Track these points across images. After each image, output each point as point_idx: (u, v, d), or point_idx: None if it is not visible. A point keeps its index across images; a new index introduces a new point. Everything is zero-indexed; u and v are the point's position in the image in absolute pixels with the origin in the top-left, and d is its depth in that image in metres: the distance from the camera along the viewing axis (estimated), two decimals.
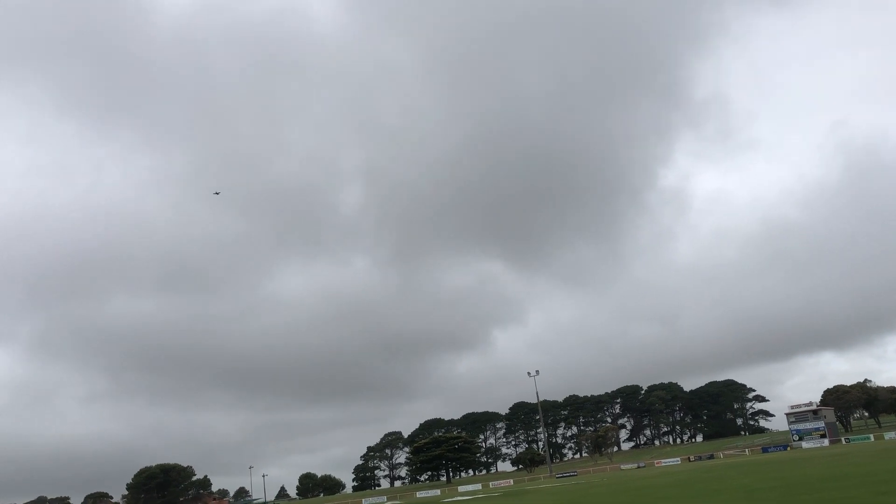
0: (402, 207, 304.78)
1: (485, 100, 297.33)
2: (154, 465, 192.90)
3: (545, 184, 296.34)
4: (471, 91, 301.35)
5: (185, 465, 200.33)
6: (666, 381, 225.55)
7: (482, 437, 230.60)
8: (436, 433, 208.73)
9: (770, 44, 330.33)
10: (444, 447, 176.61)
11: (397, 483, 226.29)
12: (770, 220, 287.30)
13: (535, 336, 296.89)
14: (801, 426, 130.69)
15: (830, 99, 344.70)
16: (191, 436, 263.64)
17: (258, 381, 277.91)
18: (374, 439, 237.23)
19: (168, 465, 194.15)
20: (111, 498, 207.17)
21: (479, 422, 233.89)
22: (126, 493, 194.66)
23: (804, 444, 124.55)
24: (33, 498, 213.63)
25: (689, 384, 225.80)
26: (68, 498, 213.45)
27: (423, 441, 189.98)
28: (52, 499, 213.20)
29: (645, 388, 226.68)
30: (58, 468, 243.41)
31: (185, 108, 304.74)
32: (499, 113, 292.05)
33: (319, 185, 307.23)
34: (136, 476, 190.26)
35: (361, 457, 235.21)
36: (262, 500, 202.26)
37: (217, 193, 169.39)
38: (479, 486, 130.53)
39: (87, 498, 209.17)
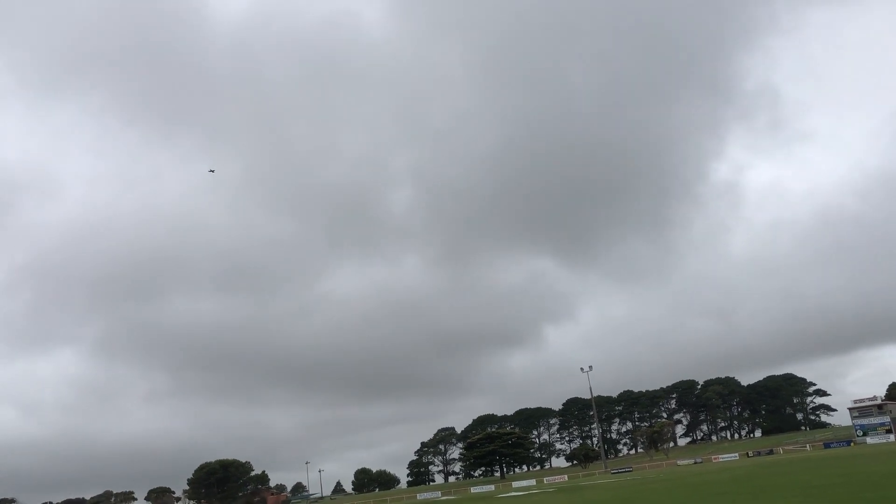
0: (451, 207, 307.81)
1: (533, 98, 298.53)
2: (214, 460, 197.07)
3: (594, 180, 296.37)
4: (519, 90, 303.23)
5: (244, 461, 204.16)
6: (723, 376, 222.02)
7: (535, 432, 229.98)
8: (489, 429, 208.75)
9: (821, 34, 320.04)
10: (498, 443, 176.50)
11: (451, 478, 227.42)
12: (827, 210, 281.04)
13: (588, 332, 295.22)
14: (864, 421, 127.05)
15: (886, 87, 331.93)
16: (249, 432, 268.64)
17: (314, 379, 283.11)
18: (427, 435, 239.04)
19: (227, 460, 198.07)
20: (173, 493, 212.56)
21: (532, 418, 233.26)
22: (187, 488, 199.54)
23: (868, 440, 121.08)
24: (100, 492, 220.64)
25: (746, 378, 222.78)
26: (132, 492, 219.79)
27: (476, 437, 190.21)
28: (117, 493, 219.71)
29: (701, 382, 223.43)
30: (122, 464, 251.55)
31: (240, 114, 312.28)
32: (547, 110, 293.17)
33: (370, 187, 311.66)
34: (196, 471, 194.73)
35: (415, 452, 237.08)
36: (319, 495, 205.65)
37: (212, 171, 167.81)
38: (533, 482, 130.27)
39: (151, 493, 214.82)
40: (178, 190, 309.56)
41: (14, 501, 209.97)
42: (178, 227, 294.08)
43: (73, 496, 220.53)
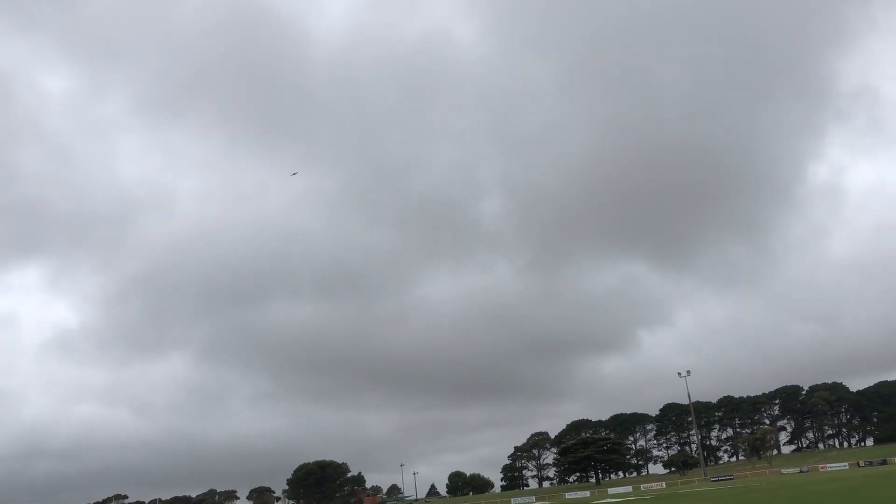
0: (542, 213, 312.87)
1: (622, 104, 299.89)
2: (312, 461, 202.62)
3: (686, 184, 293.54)
4: (608, 97, 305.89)
5: (341, 462, 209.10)
6: (829, 381, 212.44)
7: (631, 438, 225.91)
8: (583, 434, 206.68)
9: None
10: (593, 448, 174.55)
11: (545, 483, 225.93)
12: None
13: (684, 336, 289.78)
14: None
15: None
16: (346, 434, 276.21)
17: (409, 382, 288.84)
18: (520, 439, 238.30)
19: (325, 461, 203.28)
20: (273, 492, 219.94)
21: (627, 423, 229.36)
22: (286, 487, 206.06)
23: None
24: (204, 490, 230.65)
25: (855, 384, 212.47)
26: (235, 491, 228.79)
27: (570, 442, 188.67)
28: (220, 492, 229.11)
29: (806, 388, 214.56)
30: (226, 463, 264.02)
31: (338, 129, 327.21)
32: (637, 115, 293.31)
33: (461, 195, 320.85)
34: (295, 472, 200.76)
35: (509, 456, 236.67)
36: (414, 498, 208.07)
37: (295, 174, 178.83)
38: (629, 489, 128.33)
39: (252, 492, 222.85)
40: (281, 202, 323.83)
41: (126, 497, 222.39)
42: (281, 236, 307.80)
43: (179, 493, 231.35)
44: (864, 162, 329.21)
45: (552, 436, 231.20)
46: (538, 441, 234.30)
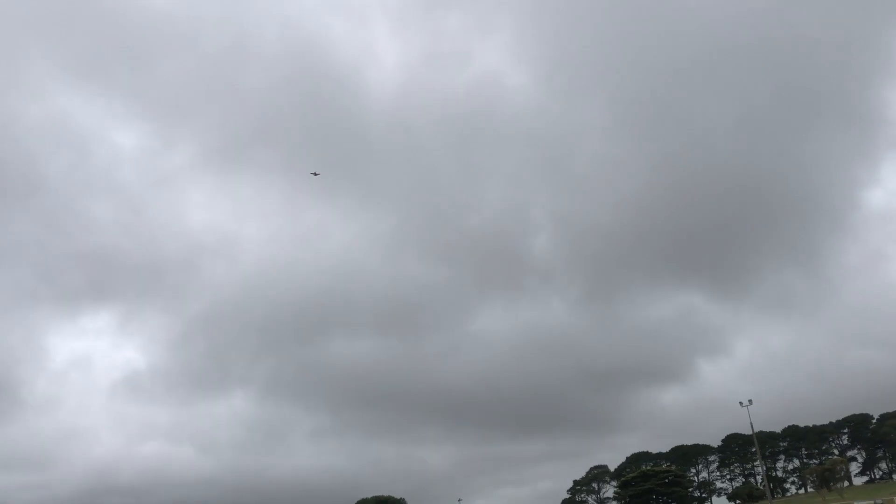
0: (593, 247, 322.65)
1: (670, 138, 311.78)
2: (370, 496, 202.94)
3: (739, 213, 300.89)
4: (655, 132, 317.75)
5: (399, 498, 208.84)
6: None
7: (693, 470, 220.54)
8: (643, 466, 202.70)
9: None
10: (654, 481, 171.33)
11: None
12: None
13: (744, 365, 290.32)
14: None
15: None
16: (404, 468, 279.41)
17: (466, 416, 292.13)
18: (579, 473, 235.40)
19: (383, 496, 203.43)
20: None
21: (688, 455, 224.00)
22: None
23: None
24: None
25: None
26: None
27: (630, 475, 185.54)
28: None
29: (876, 416, 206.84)
30: (287, 499, 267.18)
31: (393, 172, 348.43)
32: (685, 148, 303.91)
33: (514, 231, 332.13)
34: None
35: (568, 490, 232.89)
36: None
37: (316, 174, 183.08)
38: None
39: None
40: (340, 242, 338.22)
41: None
42: (340, 275, 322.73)
43: None
44: None
45: (612, 469, 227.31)
46: (597, 474, 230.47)
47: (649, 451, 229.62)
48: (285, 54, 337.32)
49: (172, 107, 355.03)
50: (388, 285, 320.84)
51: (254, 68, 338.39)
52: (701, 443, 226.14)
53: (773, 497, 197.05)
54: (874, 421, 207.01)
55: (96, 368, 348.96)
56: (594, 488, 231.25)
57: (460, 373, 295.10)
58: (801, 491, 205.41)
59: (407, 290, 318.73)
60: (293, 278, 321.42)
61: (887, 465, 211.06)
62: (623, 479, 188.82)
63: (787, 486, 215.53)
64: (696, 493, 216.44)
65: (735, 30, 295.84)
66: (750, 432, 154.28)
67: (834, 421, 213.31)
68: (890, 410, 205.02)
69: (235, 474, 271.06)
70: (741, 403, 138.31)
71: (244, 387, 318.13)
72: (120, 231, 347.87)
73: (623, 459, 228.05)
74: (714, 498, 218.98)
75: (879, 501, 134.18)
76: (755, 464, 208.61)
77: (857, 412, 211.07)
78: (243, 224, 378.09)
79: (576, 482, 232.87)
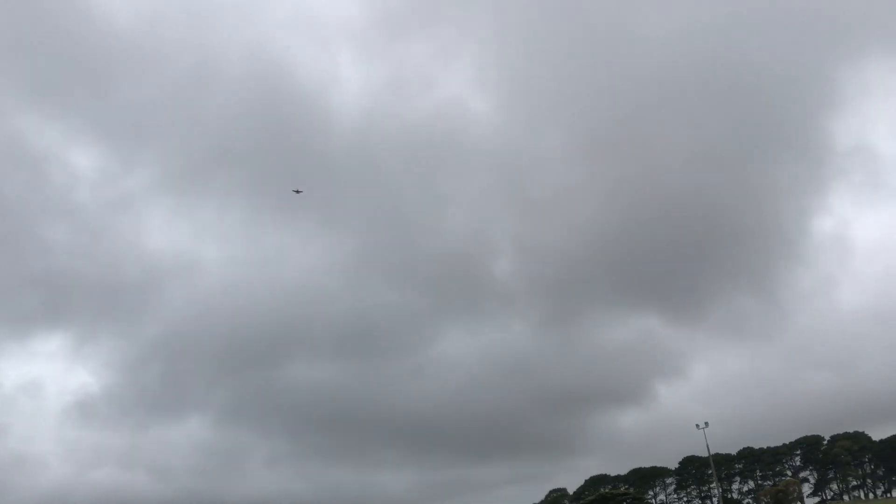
0: (554, 273, 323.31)
1: (628, 166, 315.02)
2: None
3: (695, 240, 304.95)
4: (614, 160, 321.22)
5: None
6: (850, 430, 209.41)
7: (651, 493, 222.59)
8: (602, 489, 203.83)
9: None
10: None
11: None
12: None
13: (700, 388, 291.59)
14: None
15: None
16: (364, 493, 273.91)
17: (427, 440, 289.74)
18: (539, 496, 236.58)
19: None
20: None
21: (647, 477, 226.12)
22: None
23: None
24: None
25: (878, 433, 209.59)
26: None
27: (589, 497, 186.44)
28: None
29: (827, 437, 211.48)
30: None
31: (356, 196, 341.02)
32: (643, 176, 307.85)
33: (476, 257, 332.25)
34: None
35: None
36: None
37: (298, 192, 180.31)
38: None
39: None
40: (301, 266, 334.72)
41: None
42: (300, 299, 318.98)
43: None
44: (867, 215, 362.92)
45: (570, 492, 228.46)
46: (557, 497, 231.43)
47: (608, 473, 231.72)
48: (248, 78, 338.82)
49: (133, 129, 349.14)
50: (349, 309, 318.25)
51: (217, 91, 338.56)
52: (659, 465, 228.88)
53: None
54: (825, 442, 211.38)
55: (47, 393, 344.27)
56: None
57: (421, 397, 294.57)
58: None
59: (368, 313, 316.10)
60: (253, 301, 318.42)
61: (838, 486, 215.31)
62: (582, 501, 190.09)
63: None
64: None
65: (691, 63, 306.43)
66: (706, 454, 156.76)
67: (787, 442, 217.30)
68: (840, 432, 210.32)
69: (190, 501, 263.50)
70: (698, 426, 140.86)
71: (201, 411, 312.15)
72: (76, 253, 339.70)
73: (582, 482, 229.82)
74: None
75: None
76: (711, 486, 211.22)
77: (809, 434, 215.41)
78: (203, 247, 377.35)
79: None
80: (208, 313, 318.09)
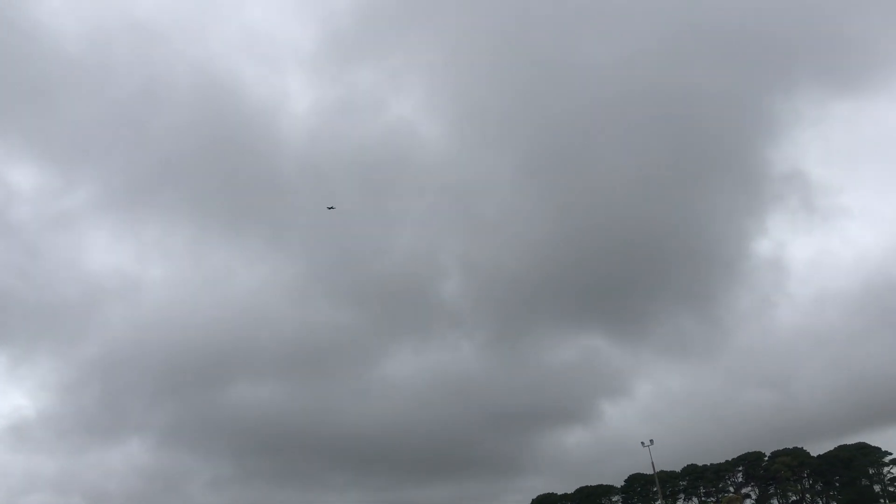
0: (500, 293, 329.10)
1: (574, 189, 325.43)
2: None
3: (638, 261, 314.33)
4: (560, 184, 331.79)
5: None
6: (790, 446, 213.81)
7: None
8: None
9: (843, 124, 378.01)
10: None
11: None
12: (872, 280, 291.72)
13: (645, 406, 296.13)
14: None
15: None
16: None
17: (373, 462, 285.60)
18: None
19: None
20: None
21: (593, 496, 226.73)
22: None
23: None
24: None
25: (816, 448, 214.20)
26: None
27: None
28: None
29: (768, 454, 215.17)
30: None
31: (304, 216, 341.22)
32: (588, 200, 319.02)
33: (423, 278, 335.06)
34: None
35: None
36: None
37: (331, 208, 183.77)
38: None
39: None
40: (247, 286, 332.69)
41: None
42: (246, 319, 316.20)
43: None
44: (802, 238, 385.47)
45: None
46: None
47: (554, 492, 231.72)
48: (195, 97, 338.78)
49: (75, 147, 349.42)
50: (295, 329, 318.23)
51: (163, 110, 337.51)
52: (605, 483, 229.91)
53: None
54: (766, 458, 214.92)
55: None
56: None
57: (368, 418, 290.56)
58: None
59: (315, 334, 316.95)
60: (197, 322, 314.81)
61: (778, 501, 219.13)
62: None
63: None
64: None
65: (634, 93, 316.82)
66: (652, 472, 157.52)
67: (729, 459, 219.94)
68: (780, 448, 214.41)
69: None
70: (643, 444, 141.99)
71: (141, 434, 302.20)
72: (13, 273, 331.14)
73: (529, 502, 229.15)
74: None
75: None
76: (657, 503, 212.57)
77: (751, 450, 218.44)
78: (147, 267, 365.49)
79: None
80: (151, 334, 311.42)
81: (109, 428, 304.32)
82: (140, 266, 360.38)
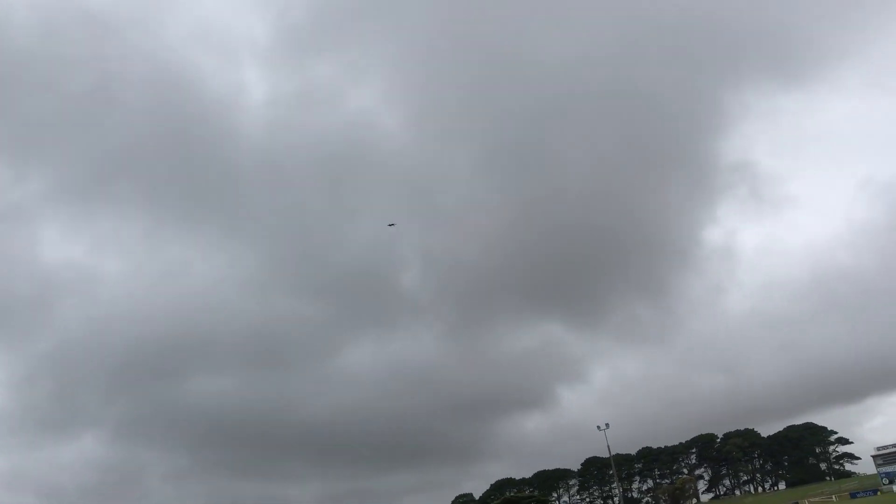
0: (460, 282, 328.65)
1: (532, 180, 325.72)
2: None
3: (595, 251, 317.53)
4: (519, 175, 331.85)
5: None
6: (741, 428, 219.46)
7: (555, 494, 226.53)
8: (507, 493, 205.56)
9: (790, 116, 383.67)
10: None
11: None
12: (818, 266, 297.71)
13: (601, 391, 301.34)
14: (890, 468, 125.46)
15: (860, 152, 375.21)
16: None
17: (334, 452, 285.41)
18: (445, 502, 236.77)
19: None
20: None
21: (551, 479, 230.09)
22: None
23: (895, 488, 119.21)
24: None
25: (766, 429, 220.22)
26: None
27: (495, 502, 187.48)
28: None
29: (720, 435, 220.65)
30: None
31: (262, 208, 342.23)
32: (545, 191, 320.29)
33: (383, 269, 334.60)
34: None
35: None
36: None
37: (392, 225, 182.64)
38: None
39: None
40: (204, 278, 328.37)
41: None
42: (203, 311, 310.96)
43: None
44: (752, 226, 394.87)
45: (477, 497, 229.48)
46: (463, 503, 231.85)
47: (513, 477, 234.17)
48: (150, 89, 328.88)
49: (28, 140, 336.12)
50: (254, 321, 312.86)
51: (117, 102, 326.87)
52: (562, 467, 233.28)
53: None
54: (718, 440, 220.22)
55: None
56: None
57: (328, 408, 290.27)
58: None
59: (274, 326, 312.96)
60: (154, 314, 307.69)
61: (730, 482, 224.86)
62: None
63: None
64: None
65: (589, 86, 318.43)
66: (608, 455, 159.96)
67: (683, 442, 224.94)
68: (732, 430, 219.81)
69: None
70: (599, 427, 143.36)
71: (95, 428, 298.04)
72: None
73: (487, 487, 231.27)
74: None
75: None
76: (613, 486, 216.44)
77: (704, 432, 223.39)
78: (101, 259, 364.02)
79: None
80: (106, 327, 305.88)
81: (63, 423, 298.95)
82: (94, 259, 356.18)
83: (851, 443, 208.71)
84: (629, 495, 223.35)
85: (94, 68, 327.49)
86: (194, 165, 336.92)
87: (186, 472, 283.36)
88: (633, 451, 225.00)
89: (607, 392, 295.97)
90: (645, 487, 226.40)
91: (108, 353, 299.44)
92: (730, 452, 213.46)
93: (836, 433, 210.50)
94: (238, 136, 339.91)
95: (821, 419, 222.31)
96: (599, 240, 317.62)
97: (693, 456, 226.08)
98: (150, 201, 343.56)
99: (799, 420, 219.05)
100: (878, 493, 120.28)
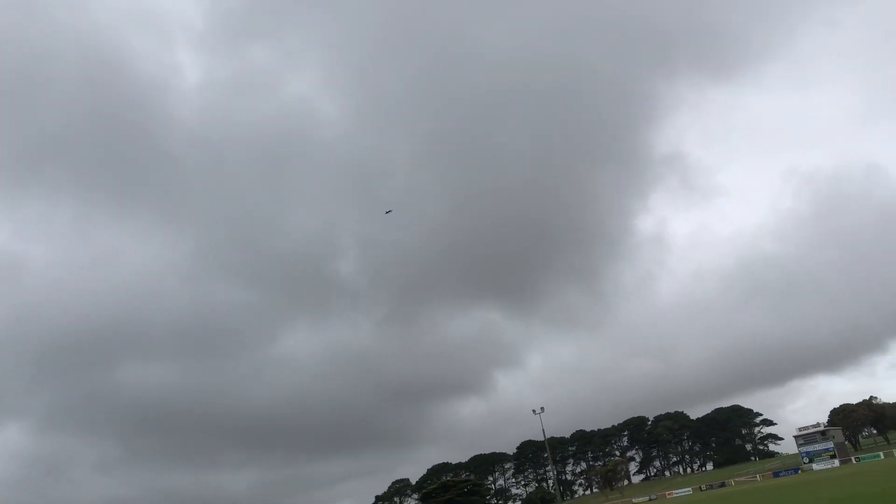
0: (398, 270, 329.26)
1: (469, 169, 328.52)
2: None
3: (530, 238, 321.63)
4: (458, 165, 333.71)
5: None
6: (671, 411, 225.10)
7: (491, 478, 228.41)
8: (444, 477, 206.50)
9: (719, 109, 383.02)
10: (454, 491, 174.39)
11: None
12: (745, 255, 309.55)
13: (536, 377, 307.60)
14: (810, 448, 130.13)
15: (785, 144, 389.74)
16: (201, 495, 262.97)
17: (269, 439, 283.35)
18: (381, 488, 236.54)
19: None
20: None
21: (486, 463, 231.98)
22: None
23: (815, 466, 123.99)
24: None
25: (695, 412, 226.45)
26: None
27: (431, 486, 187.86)
28: None
29: (651, 418, 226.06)
30: None
31: (196, 193, 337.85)
32: (483, 181, 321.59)
33: (321, 256, 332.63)
34: None
35: None
36: None
37: (389, 212, 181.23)
38: None
39: None
40: (136, 264, 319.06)
41: None
42: (135, 298, 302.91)
43: None
44: (681, 216, 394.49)
45: (413, 482, 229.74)
46: (399, 488, 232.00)
47: (449, 461, 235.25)
48: (80, 70, 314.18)
49: None
50: (187, 308, 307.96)
51: (45, 84, 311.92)
52: (498, 451, 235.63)
53: (563, 499, 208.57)
54: (649, 422, 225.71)
55: None
56: (396, 502, 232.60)
57: (264, 396, 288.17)
58: (588, 491, 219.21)
59: (208, 313, 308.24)
60: (83, 302, 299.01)
61: (660, 463, 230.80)
62: (424, 490, 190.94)
63: (576, 487, 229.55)
64: (494, 501, 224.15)
65: (527, 77, 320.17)
66: (542, 438, 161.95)
67: (616, 424, 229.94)
68: (662, 413, 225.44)
69: None
70: (534, 411, 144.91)
71: (20, 419, 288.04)
72: None
73: (424, 472, 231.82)
74: (510, 503, 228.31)
75: (654, 496, 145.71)
76: (547, 469, 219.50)
77: (635, 415, 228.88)
78: (28, 245, 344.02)
79: (378, 497, 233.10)
80: (32, 315, 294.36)
81: None
82: (20, 244, 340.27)
83: (775, 424, 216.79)
84: (563, 477, 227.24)
85: (21, 47, 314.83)
86: (125, 150, 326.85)
87: (118, 461, 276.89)
88: (567, 435, 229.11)
89: (542, 377, 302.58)
90: (578, 469, 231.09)
91: (34, 341, 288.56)
92: (660, 435, 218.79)
93: (760, 415, 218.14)
94: (171, 121, 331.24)
95: (747, 402, 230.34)
96: (535, 228, 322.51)
97: (625, 438, 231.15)
98: (79, 186, 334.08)
99: (726, 403, 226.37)
100: (799, 471, 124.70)
